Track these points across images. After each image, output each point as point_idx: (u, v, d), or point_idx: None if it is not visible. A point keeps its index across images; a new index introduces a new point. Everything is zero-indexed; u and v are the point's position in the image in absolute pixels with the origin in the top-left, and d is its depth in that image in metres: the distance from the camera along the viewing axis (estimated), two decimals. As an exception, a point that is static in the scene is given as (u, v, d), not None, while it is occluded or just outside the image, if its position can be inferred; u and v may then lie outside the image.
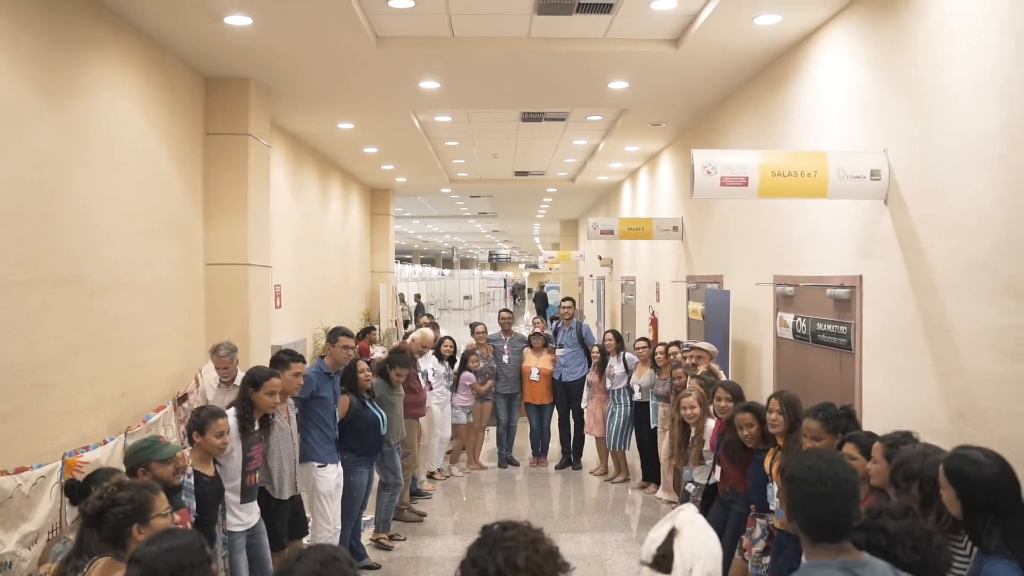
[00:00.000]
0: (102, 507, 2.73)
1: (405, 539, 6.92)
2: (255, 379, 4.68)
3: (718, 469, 5.26)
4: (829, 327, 5.91)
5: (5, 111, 4.64)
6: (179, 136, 7.04)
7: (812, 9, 5.87)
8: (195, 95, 7.39)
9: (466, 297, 46.16)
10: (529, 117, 10.20)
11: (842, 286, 5.69)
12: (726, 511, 5.04)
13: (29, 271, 4.83)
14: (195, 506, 4.01)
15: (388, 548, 6.68)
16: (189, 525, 3.60)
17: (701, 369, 6.81)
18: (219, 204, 7.57)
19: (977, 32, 4.22)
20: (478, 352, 9.11)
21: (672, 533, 2.18)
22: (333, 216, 13.38)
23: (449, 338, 9.18)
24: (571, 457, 9.42)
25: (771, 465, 4.48)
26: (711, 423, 5.69)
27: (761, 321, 7.39)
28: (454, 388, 8.88)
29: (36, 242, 4.92)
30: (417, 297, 28.23)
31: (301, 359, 5.07)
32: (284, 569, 2.18)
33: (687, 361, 7.13)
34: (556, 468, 9.33)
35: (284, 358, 5.05)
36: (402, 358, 6.75)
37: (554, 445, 9.72)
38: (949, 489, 2.60)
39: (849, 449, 3.57)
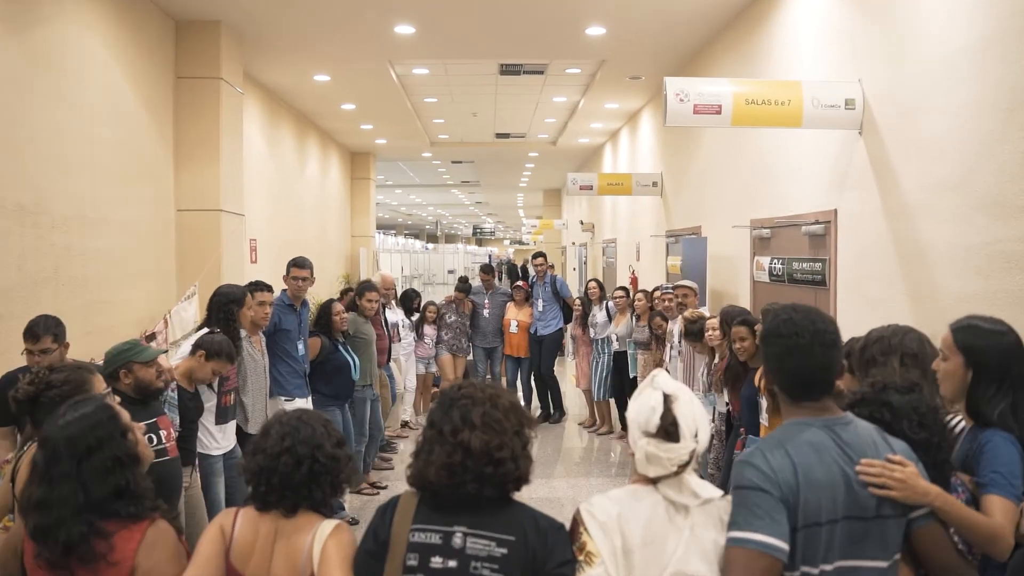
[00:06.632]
0: (35, 391, 2.53)
1: (386, 487, 6.88)
2: (237, 297, 4.63)
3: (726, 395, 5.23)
4: (804, 265, 5.89)
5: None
6: (148, 78, 6.89)
7: (789, -58, 5.80)
8: (164, 37, 7.23)
9: (450, 271, 46.03)
10: (507, 70, 10.04)
11: (817, 222, 5.66)
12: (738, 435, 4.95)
13: (-13, 197, 4.72)
14: (178, 421, 3.97)
15: (374, 493, 6.73)
16: (172, 432, 3.55)
17: (690, 306, 6.63)
18: (191, 149, 7.43)
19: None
20: (453, 306, 9.13)
21: (668, 399, 1.96)
22: (311, 176, 13.22)
23: (412, 290, 9.34)
24: (550, 411, 9.40)
25: (760, 380, 4.42)
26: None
27: (738, 267, 7.36)
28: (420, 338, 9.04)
29: (-5, 167, 4.80)
30: None
31: (269, 288, 5.01)
32: (266, 426, 2.16)
33: (675, 301, 6.76)
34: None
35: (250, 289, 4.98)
36: (370, 284, 6.72)
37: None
38: (957, 356, 2.33)
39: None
